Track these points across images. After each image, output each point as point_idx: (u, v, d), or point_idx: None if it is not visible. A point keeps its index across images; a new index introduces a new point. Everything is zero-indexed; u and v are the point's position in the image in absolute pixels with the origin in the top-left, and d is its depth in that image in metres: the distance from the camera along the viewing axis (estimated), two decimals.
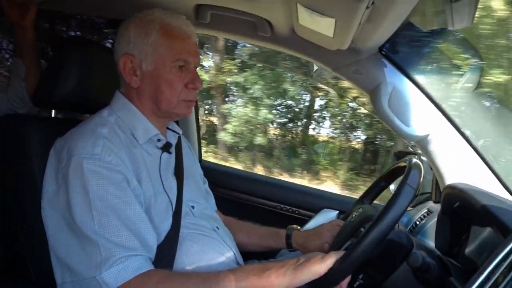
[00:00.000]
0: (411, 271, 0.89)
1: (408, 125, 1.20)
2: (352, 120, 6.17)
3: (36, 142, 0.97)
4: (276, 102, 6.37)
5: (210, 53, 6.05)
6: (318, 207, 1.71)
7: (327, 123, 6.54)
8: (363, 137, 6.31)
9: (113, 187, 0.85)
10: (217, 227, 1.08)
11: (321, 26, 1.00)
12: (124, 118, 0.99)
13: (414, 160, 0.88)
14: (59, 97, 1.04)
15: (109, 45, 1.49)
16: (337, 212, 1.64)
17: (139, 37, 0.97)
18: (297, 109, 6.58)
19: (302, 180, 5.66)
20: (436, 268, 0.85)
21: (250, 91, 5.95)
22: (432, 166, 1.26)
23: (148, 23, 0.98)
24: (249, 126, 6.05)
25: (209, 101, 6.64)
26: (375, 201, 1.19)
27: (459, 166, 1.19)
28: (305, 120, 6.60)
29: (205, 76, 6.04)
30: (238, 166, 5.84)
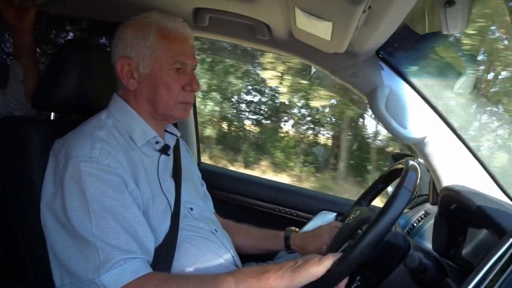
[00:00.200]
0: (408, 272, 0.89)
1: (405, 128, 1.21)
2: (316, 117, 6.15)
3: (36, 143, 0.97)
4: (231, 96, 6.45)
5: None
6: (316, 209, 1.71)
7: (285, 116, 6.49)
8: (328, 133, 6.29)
9: (110, 189, 0.85)
10: (215, 229, 1.08)
11: (318, 29, 1.01)
12: (122, 120, 1.00)
13: (411, 162, 0.88)
14: (58, 99, 1.05)
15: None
16: (335, 214, 1.64)
17: (136, 39, 0.98)
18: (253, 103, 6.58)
19: (258, 172, 5.69)
20: (433, 269, 0.85)
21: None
22: (429, 168, 1.27)
23: (146, 26, 0.99)
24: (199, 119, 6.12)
25: None
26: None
27: (456, 168, 1.19)
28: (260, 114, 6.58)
29: None
30: None
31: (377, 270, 0.85)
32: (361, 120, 5.80)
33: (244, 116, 6.59)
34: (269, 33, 1.28)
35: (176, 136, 1.14)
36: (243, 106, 6.56)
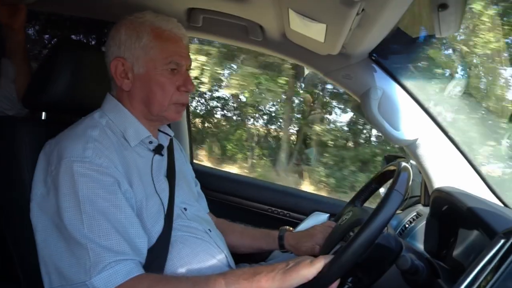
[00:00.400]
0: (400, 274, 0.90)
1: (397, 130, 1.22)
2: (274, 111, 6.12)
3: (27, 143, 0.96)
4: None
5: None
6: (309, 210, 1.71)
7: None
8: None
9: (103, 190, 0.85)
10: (209, 229, 1.08)
11: (312, 31, 1.01)
12: (115, 120, 0.99)
13: (403, 164, 0.89)
14: (49, 99, 1.03)
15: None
16: (328, 215, 1.65)
17: (130, 40, 0.97)
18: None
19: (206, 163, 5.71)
20: (425, 271, 0.86)
21: None
22: (421, 170, 1.28)
23: (139, 26, 0.98)
24: None
25: None
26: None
27: (447, 170, 1.21)
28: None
29: None
30: None
31: (369, 272, 0.86)
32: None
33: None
34: (262, 34, 1.28)
35: (170, 136, 1.14)
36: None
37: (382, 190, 1.35)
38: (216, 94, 6.17)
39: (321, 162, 4.94)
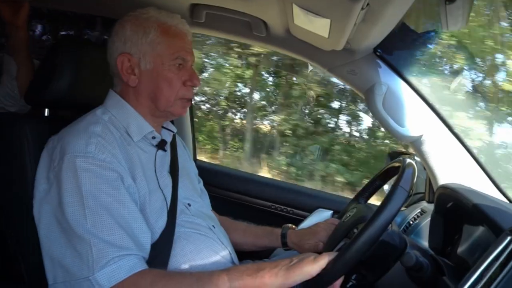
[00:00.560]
0: (405, 271, 0.89)
1: (402, 126, 1.21)
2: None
3: (29, 140, 0.96)
4: None
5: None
6: (312, 207, 1.71)
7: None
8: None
9: (106, 185, 0.85)
10: (213, 225, 1.08)
11: (316, 26, 1.00)
12: (118, 116, 0.99)
13: (408, 161, 0.88)
14: (52, 96, 1.03)
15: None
16: (331, 211, 1.64)
17: (137, 35, 0.97)
18: None
19: None
20: (429, 268, 0.85)
21: None
22: (426, 166, 1.27)
23: (145, 22, 0.98)
24: None
25: None
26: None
27: (452, 166, 1.20)
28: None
29: None
30: None
31: (373, 269, 0.85)
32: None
33: None
34: (266, 30, 1.28)
35: (173, 132, 1.14)
36: None
37: (386, 187, 1.34)
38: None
39: (281, 152, 5.02)
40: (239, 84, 5.41)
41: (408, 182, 0.80)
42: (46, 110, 1.13)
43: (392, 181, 1.03)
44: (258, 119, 5.54)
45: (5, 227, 0.98)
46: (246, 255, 1.24)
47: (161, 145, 1.05)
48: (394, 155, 1.59)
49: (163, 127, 1.11)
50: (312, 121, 4.85)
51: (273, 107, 5.39)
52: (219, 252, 1.02)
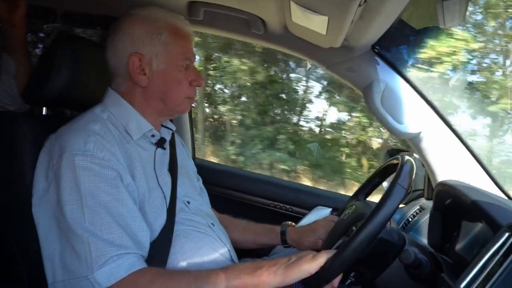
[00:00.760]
0: (404, 268, 0.89)
1: (400, 123, 1.21)
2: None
3: (28, 138, 0.96)
4: None
5: None
6: (311, 205, 1.71)
7: None
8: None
9: (105, 184, 0.85)
10: (212, 223, 1.08)
11: (314, 23, 1.00)
12: (116, 114, 0.99)
13: (406, 158, 0.88)
14: (50, 94, 1.03)
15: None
16: (330, 209, 1.64)
17: (149, 36, 0.97)
18: None
19: None
20: (428, 264, 0.86)
21: None
22: (424, 163, 1.27)
23: (156, 23, 0.98)
24: None
25: None
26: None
27: (451, 163, 1.20)
28: None
29: None
30: None
31: (372, 266, 0.86)
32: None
33: None
34: (264, 27, 1.27)
35: (172, 130, 1.14)
36: None
37: (385, 184, 1.35)
38: None
39: (230, 141, 5.11)
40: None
41: (406, 180, 0.80)
42: (44, 108, 1.13)
43: (391, 178, 1.03)
44: (209, 108, 5.60)
45: (5, 226, 0.98)
46: (245, 253, 1.24)
47: (160, 143, 1.05)
48: (393, 152, 1.59)
49: (162, 125, 1.12)
50: (259, 111, 4.97)
51: (222, 97, 5.46)
52: (218, 250, 1.03)
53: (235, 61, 4.91)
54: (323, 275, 0.78)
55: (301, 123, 4.96)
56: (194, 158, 2.00)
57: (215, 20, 1.32)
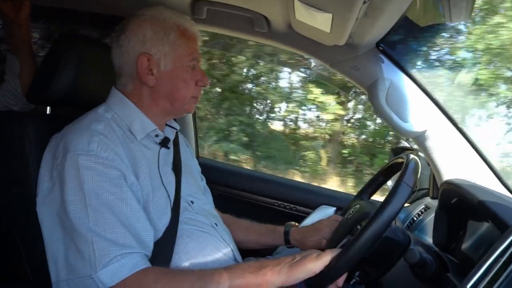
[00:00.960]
0: (409, 267, 0.89)
1: (405, 121, 1.20)
2: None
3: (32, 139, 0.96)
4: None
5: None
6: (315, 204, 1.70)
7: None
8: None
9: (109, 184, 0.85)
10: (216, 223, 1.08)
11: (318, 21, 1.00)
12: (120, 114, 0.99)
13: (412, 156, 0.87)
14: (54, 94, 1.03)
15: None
16: (335, 208, 1.64)
17: (158, 36, 0.97)
18: None
19: None
20: (433, 264, 0.85)
21: None
22: (430, 162, 1.26)
23: (165, 23, 0.99)
24: None
25: None
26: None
27: (457, 162, 1.19)
28: None
29: None
30: None
31: (377, 266, 0.85)
32: None
33: None
34: (267, 25, 1.27)
35: (176, 129, 1.14)
36: None
37: (389, 183, 1.34)
38: None
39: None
40: None
41: (411, 178, 0.79)
42: (48, 108, 1.13)
43: (395, 177, 1.03)
44: None
45: (11, 226, 0.98)
46: (249, 252, 1.24)
47: (164, 142, 1.05)
48: (397, 150, 1.58)
49: (166, 124, 1.12)
50: (213, 105, 5.08)
51: None
52: (221, 250, 1.02)
53: None
54: (327, 274, 0.78)
55: (257, 116, 5.16)
56: (197, 157, 2.00)
57: (218, 18, 1.32)
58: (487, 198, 0.89)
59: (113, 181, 0.86)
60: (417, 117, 1.20)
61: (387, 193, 0.81)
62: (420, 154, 1.35)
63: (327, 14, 0.90)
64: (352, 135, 5.03)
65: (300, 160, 4.79)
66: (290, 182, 1.95)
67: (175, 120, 1.16)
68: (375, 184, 1.15)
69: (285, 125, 5.14)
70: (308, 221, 1.53)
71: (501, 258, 0.64)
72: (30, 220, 0.90)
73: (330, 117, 4.79)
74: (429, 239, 1.18)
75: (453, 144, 1.19)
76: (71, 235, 0.83)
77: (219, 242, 1.04)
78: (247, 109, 5.06)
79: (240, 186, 1.85)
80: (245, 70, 4.96)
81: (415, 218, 1.38)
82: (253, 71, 4.97)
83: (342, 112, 4.81)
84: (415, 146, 1.44)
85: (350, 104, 4.89)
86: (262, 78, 4.98)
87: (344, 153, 4.86)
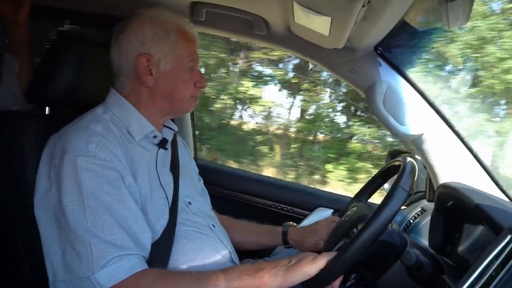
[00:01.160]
0: (405, 269, 0.89)
1: (402, 124, 1.21)
2: None
3: (31, 138, 0.96)
4: None
5: None
6: (313, 206, 1.71)
7: None
8: None
9: (107, 185, 0.85)
10: (213, 225, 1.08)
11: (317, 24, 1.00)
12: (119, 115, 0.99)
13: (408, 159, 0.88)
14: (53, 94, 1.03)
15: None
16: (332, 210, 1.64)
17: (158, 36, 0.98)
18: None
19: None
20: (429, 266, 0.85)
21: None
22: (426, 165, 1.27)
23: (165, 24, 0.99)
24: None
25: None
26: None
27: (453, 165, 1.19)
28: None
29: None
30: None
31: (373, 268, 0.86)
32: None
33: None
34: (267, 28, 1.27)
35: (174, 130, 1.14)
36: None
37: (386, 186, 1.34)
38: None
39: None
40: None
41: (408, 181, 0.80)
42: (47, 108, 1.13)
43: (392, 180, 1.03)
44: None
45: (11, 226, 0.98)
46: (246, 254, 1.24)
47: (162, 143, 1.05)
48: (394, 153, 1.59)
49: (164, 125, 1.12)
50: None
51: None
52: (219, 252, 1.03)
53: None
54: (323, 277, 0.78)
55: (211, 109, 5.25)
56: (195, 158, 2.00)
57: (217, 20, 1.32)
58: (483, 201, 0.89)
59: (111, 182, 0.86)
60: (414, 120, 1.21)
61: (384, 195, 0.81)
62: (417, 157, 1.35)
63: (326, 18, 0.91)
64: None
65: (249, 153, 4.96)
66: (288, 184, 1.95)
67: (173, 121, 1.16)
68: (372, 186, 1.16)
69: (232, 119, 5.29)
70: (305, 222, 1.53)
71: (496, 260, 0.64)
72: (30, 220, 0.90)
73: (260, 109, 5.07)
74: (425, 242, 1.19)
75: (449, 147, 1.19)
76: (69, 236, 0.83)
77: (216, 244, 1.04)
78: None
79: (238, 187, 1.85)
80: None
81: (411, 221, 1.39)
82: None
83: (271, 104, 5.07)
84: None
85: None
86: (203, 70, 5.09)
87: (293, 147, 5.12)
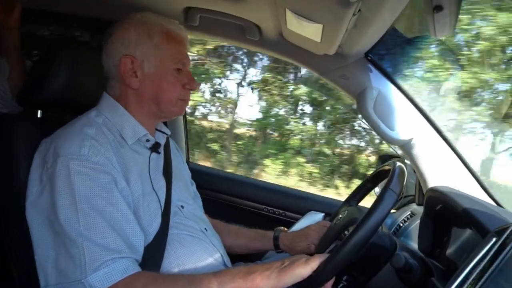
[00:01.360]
0: (395, 272, 0.90)
1: (392, 129, 1.23)
2: None
3: (22, 142, 0.96)
4: None
5: None
6: (304, 210, 1.72)
7: None
8: None
9: (99, 188, 0.85)
10: (205, 228, 1.08)
11: (309, 31, 1.02)
12: (112, 118, 0.99)
13: (398, 164, 0.90)
14: (45, 98, 1.03)
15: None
16: (323, 214, 1.65)
17: (141, 38, 0.98)
18: None
19: None
20: (419, 269, 0.87)
21: None
22: (416, 169, 1.29)
23: (149, 26, 1.00)
24: None
25: None
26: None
27: (441, 169, 1.22)
28: None
29: None
30: None
31: (364, 270, 0.87)
32: None
33: None
34: (259, 34, 1.29)
35: (166, 134, 1.14)
36: None
37: (377, 190, 1.36)
38: None
39: None
40: None
41: (398, 185, 0.81)
42: (39, 111, 1.12)
43: (382, 183, 1.05)
44: None
45: (3, 228, 0.97)
46: (238, 257, 1.24)
47: (155, 147, 1.05)
48: (385, 158, 1.61)
49: (157, 129, 1.12)
50: None
51: None
52: (211, 255, 1.03)
53: None
54: (316, 278, 0.79)
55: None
56: (188, 162, 2.00)
57: (211, 26, 1.33)
58: (469, 204, 0.91)
59: (104, 186, 0.86)
60: (404, 125, 1.23)
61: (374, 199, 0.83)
62: (407, 161, 1.38)
63: (318, 25, 0.92)
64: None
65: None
66: (280, 188, 1.96)
67: (165, 125, 1.17)
68: (363, 190, 1.17)
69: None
70: (297, 226, 1.54)
71: (482, 262, 0.66)
72: (20, 223, 0.89)
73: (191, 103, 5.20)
74: (414, 245, 1.21)
75: (438, 152, 1.22)
76: (62, 239, 0.82)
77: (208, 247, 1.04)
78: None
79: (230, 191, 1.86)
80: None
81: (401, 224, 1.41)
82: None
83: (200, 99, 5.26)
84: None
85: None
86: None
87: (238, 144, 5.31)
